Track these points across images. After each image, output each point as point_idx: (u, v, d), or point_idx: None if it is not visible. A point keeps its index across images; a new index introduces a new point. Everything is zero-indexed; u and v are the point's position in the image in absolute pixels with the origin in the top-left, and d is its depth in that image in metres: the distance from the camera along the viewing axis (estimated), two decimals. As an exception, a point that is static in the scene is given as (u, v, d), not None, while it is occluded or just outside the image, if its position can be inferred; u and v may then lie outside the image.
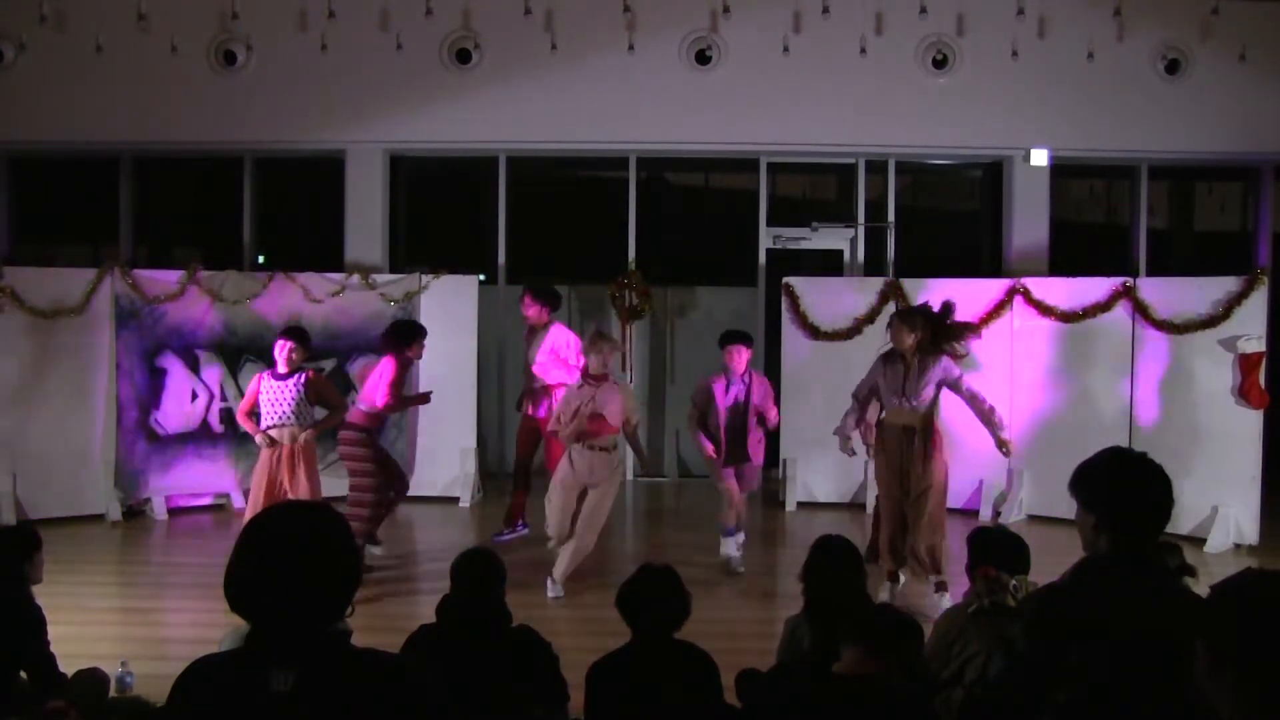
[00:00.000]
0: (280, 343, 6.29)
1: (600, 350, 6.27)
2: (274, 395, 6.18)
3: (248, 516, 5.77)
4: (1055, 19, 9.26)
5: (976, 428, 6.17)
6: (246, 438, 8.58)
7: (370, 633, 4.98)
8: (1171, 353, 7.83)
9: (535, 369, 7.38)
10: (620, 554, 7.17)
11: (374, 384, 6.48)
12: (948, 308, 6.15)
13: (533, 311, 7.46)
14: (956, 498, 7.27)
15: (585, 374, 6.35)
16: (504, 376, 9.90)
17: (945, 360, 5.99)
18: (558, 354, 7.37)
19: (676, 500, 9.55)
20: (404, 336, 6.61)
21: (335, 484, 7.22)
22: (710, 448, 6.72)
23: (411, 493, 7.62)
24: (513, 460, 7.76)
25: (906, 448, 5.94)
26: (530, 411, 7.44)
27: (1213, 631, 1.72)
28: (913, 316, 6.10)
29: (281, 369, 6.24)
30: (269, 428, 6.20)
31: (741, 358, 6.71)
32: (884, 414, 6.15)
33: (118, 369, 8.28)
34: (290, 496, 6.09)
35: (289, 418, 6.15)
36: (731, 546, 6.94)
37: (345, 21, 9.21)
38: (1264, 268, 9.12)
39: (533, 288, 7.57)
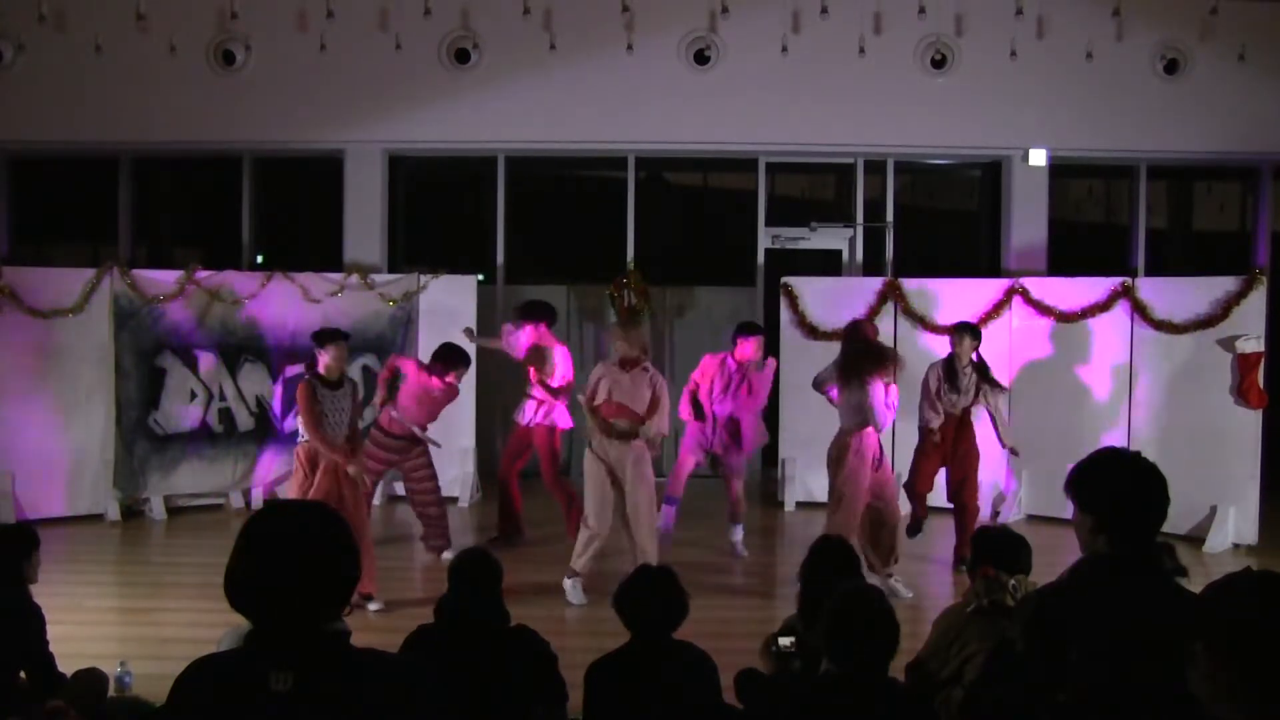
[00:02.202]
0: (321, 352, 5.91)
1: (628, 335, 6.25)
2: (334, 404, 5.89)
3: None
4: (1054, 19, 9.26)
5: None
6: (246, 438, 8.66)
7: (370, 633, 4.99)
8: (1170, 353, 7.83)
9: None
10: (620, 554, 7.17)
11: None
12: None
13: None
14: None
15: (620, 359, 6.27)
16: (503, 377, 9.89)
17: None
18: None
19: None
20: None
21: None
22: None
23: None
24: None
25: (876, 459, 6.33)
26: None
27: (1213, 634, 1.72)
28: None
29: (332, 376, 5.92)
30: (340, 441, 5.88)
31: (756, 350, 7.11)
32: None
33: (117, 369, 8.29)
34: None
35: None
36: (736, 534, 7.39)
37: (344, 21, 9.21)
38: (1262, 267, 9.14)
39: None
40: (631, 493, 6.14)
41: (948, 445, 6.99)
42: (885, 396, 6.09)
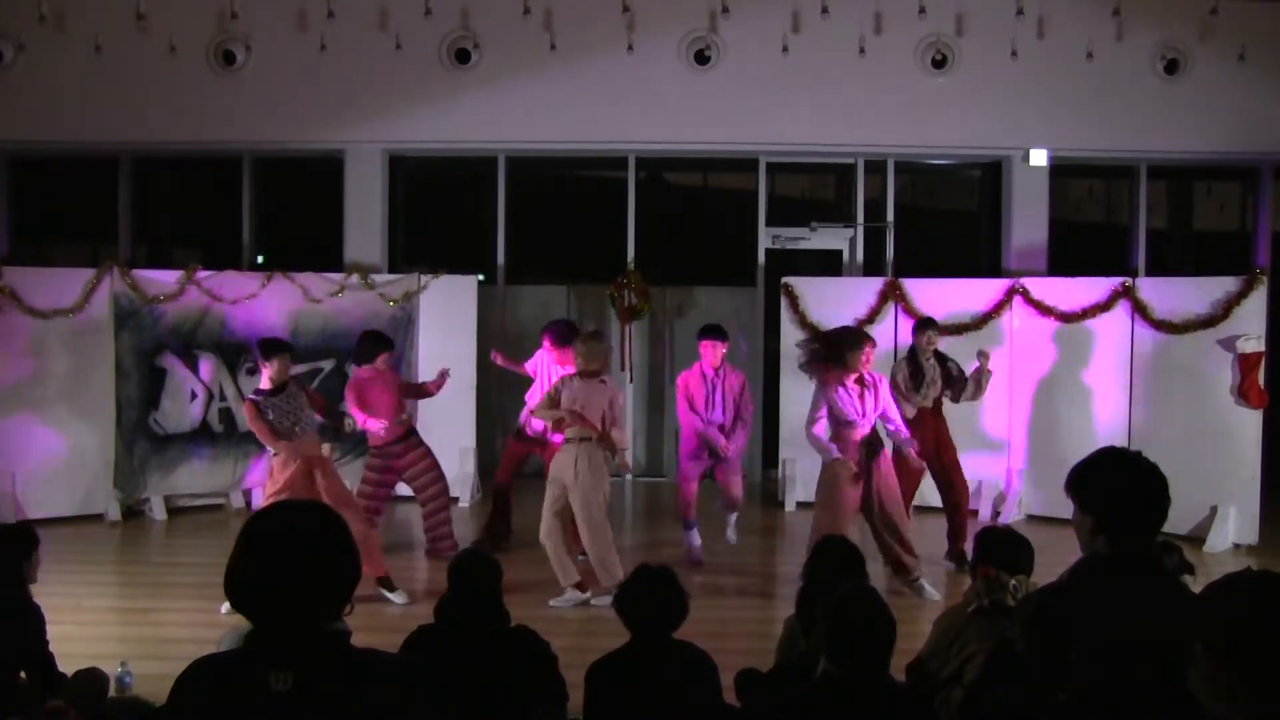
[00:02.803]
0: (266, 364, 5.96)
1: (589, 349, 6.20)
2: (280, 409, 5.96)
3: None
4: (1054, 19, 9.27)
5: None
6: (245, 438, 8.62)
7: (370, 633, 4.99)
8: (1170, 353, 7.83)
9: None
10: (619, 554, 7.17)
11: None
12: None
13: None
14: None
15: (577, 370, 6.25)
16: (503, 377, 9.89)
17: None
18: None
19: (675, 500, 9.53)
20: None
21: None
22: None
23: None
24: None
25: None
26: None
27: (1213, 634, 1.71)
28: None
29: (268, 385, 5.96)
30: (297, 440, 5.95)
31: (714, 352, 6.98)
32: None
33: (117, 369, 8.29)
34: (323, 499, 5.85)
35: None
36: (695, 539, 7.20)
37: (345, 21, 9.21)
38: (1263, 267, 9.13)
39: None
40: (576, 492, 6.07)
41: (928, 445, 6.96)
42: (817, 410, 6.24)
